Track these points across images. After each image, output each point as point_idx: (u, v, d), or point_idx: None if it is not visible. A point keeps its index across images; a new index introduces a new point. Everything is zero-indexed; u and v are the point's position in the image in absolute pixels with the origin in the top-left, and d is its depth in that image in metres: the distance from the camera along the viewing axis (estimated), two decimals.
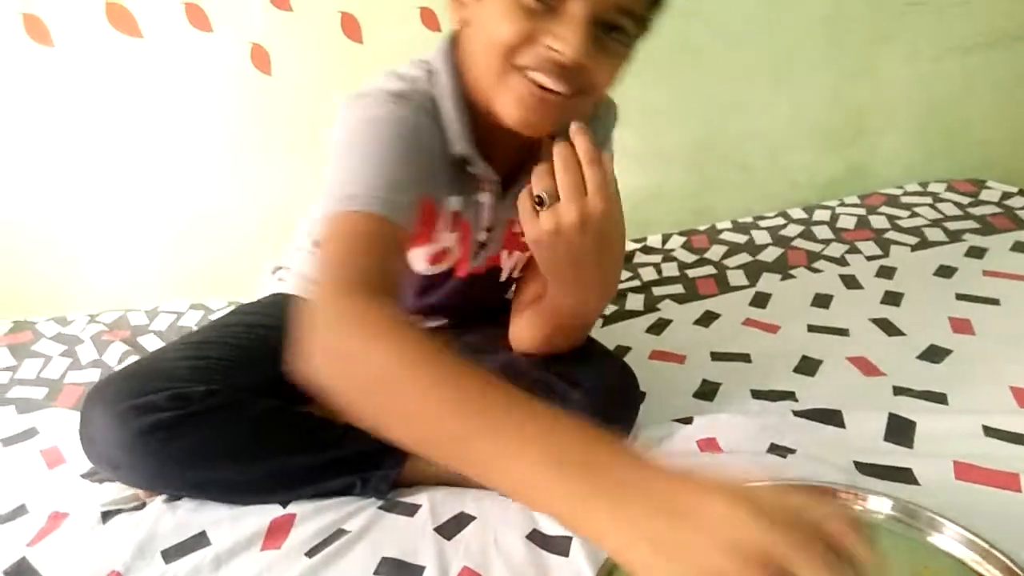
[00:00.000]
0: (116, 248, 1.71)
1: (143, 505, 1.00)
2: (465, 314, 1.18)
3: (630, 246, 1.81)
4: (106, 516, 0.98)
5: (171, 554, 0.91)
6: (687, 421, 1.10)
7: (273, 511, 0.97)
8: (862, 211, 1.85)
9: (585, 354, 1.08)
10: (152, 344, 1.48)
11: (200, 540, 0.93)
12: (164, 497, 0.99)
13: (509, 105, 0.80)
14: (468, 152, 0.89)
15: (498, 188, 0.96)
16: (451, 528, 0.93)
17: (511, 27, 0.75)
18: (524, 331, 1.06)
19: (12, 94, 1.53)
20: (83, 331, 1.55)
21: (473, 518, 0.94)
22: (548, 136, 0.81)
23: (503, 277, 1.11)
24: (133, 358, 1.41)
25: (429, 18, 1.61)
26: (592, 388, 1.01)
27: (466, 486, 1.00)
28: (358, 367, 0.62)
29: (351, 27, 1.58)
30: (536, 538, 0.90)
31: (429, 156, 0.85)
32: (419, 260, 1.00)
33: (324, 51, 1.60)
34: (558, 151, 0.78)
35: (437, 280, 1.06)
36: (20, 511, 1.03)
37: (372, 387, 0.60)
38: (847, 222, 1.81)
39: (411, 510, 0.97)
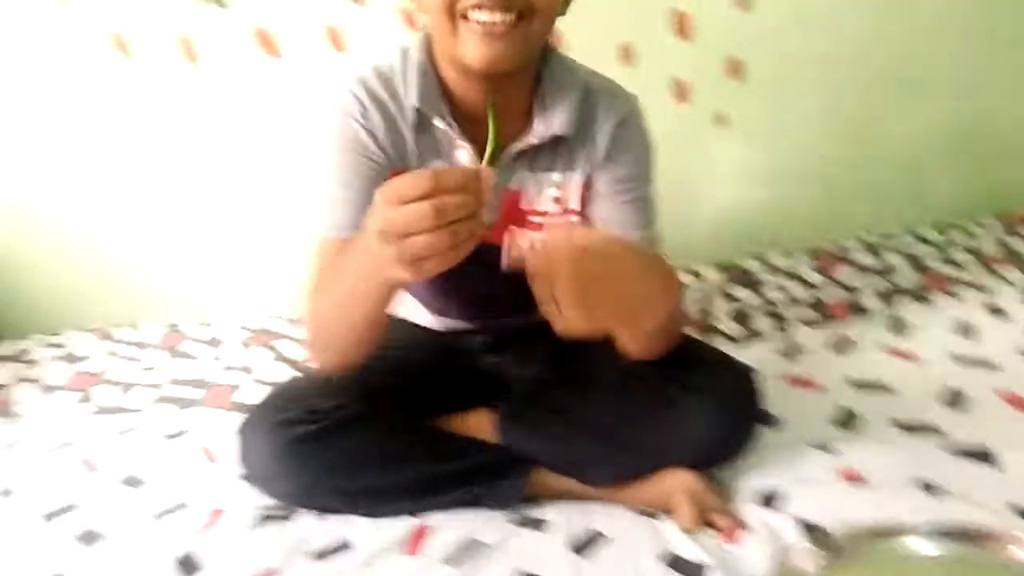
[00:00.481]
0: (253, 253, 1.80)
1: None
2: (497, 305, 1.14)
3: (754, 265, 1.78)
4: (262, 519, 1.03)
5: (320, 556, 0.96)
6: (827, 449, 1.07)
7: (409, 521, 1.00)
8: (1001, 232, 1.76)
9: (700, 359, 1.05)
10: (293, 351, 1.56)
11: (346, 546, 0.97)
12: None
13: (467, 50, 0.87)
14: (425, 106, 0.95)
15: (472, 149, 0.97)
16: (585, 546, 0.94)
17: None
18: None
19: (165, 111, 1.63)
20: (228, 336, 1.64)
21: (605, 537, 0.95)
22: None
23: (504, 256, 1.06)
24: (277, 364, 1.50)
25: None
26: (705, 391, 0.99)
27: (588, 499, 1.02)
28: (316, 323, 0.93)
29: None
30: (672, 561, 0.90)
31: (392, 130, 0.97)
32: None
33: None
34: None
35: None
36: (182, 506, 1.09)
37: (320, 326, 0.92)
38: (986, 244, 1.73)
39: (541, 525, 0.98)
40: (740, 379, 1.03)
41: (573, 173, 1.02)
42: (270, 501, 1.03)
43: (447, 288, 1.12)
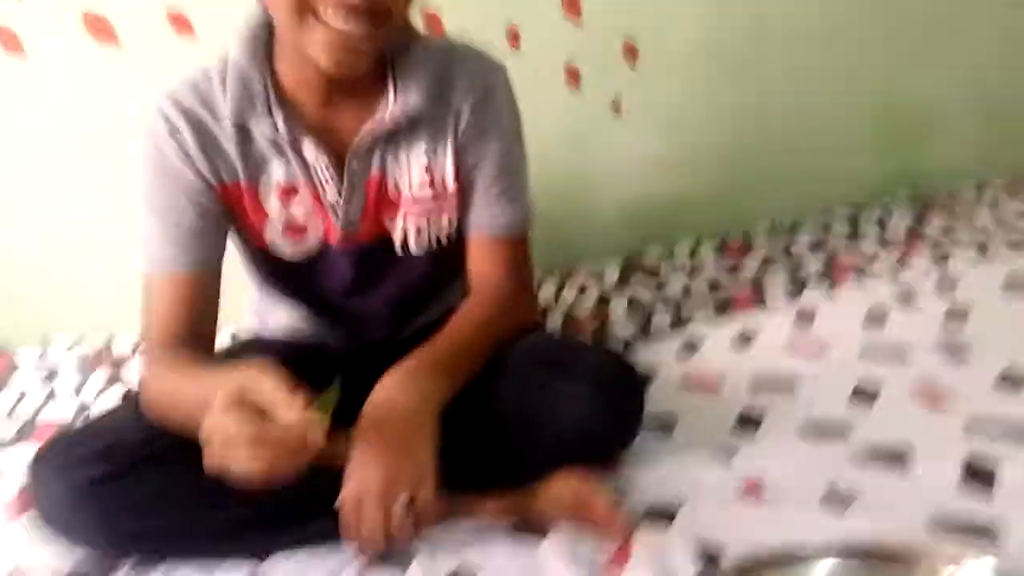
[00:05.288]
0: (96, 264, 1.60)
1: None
2: (403, 300, 1.07)
3: (657, 258, 1.68)
4: None
5: None
6: (727, 457, 0.96)
7: (247, 567, 0.86)
8: (911, 217, 1.70)
9: (570, 347, 1.03)
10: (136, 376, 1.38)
11: None
12: (132, 562, 0.88)
13: (319, 53, 0.81)
14: (239, 116, 0.89)
15: (318, 143, 0.91)
16: None
17: None
18: None
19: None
20: (63, 359, 1.45)
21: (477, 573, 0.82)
22: None
23: (397, 243, 1.00)
24: (115, 386, 1.32)
25: None
26: (580, 372, 0.90)
27: (462, 516, 0.89)
28: (150, 396, 0.88)
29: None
30: None
31: (210, 147, 0.91)
32: (279, 241, 0.97)
33: None
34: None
35: (320, 260, 1.00)
36: None
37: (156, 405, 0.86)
38: (898, 228, 1.66)
39: (401, 561, 0.84)
40: (615, 360, 0.97)
41: (440, 148, 0.95)
42: (82, 558, 0.88)
43: (347, 280, 1.03)
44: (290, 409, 0.66)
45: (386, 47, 0.88)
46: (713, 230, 1.81)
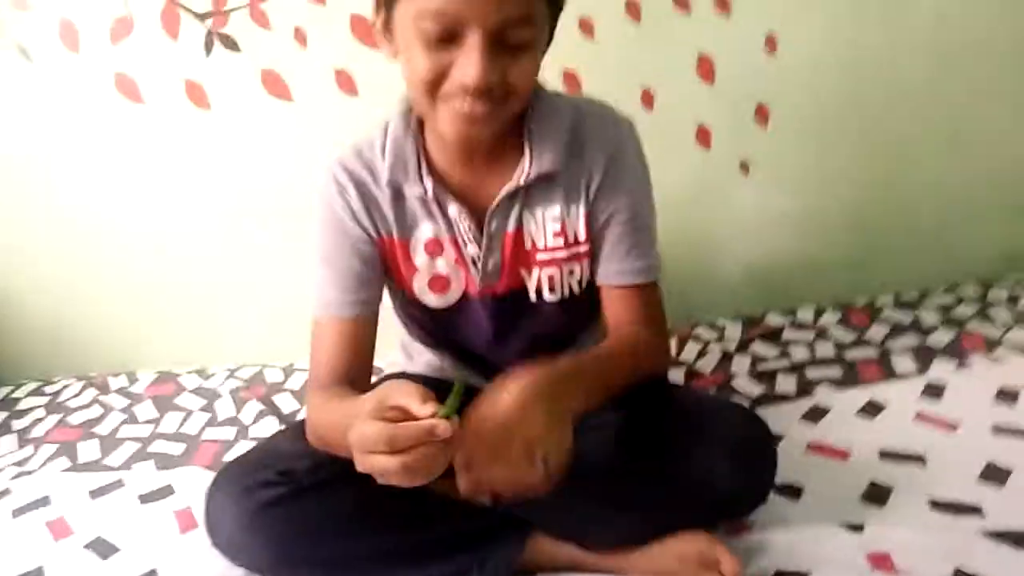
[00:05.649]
0: (256, 301, 1.74)
1: None
2: (539, 348, 1.08)
3: (777, 320, 1.70)
4: None
5: None
6: (856, 528, 0.97)
7: None
8: None
9: (705, 406, 1.03)
10: (286, 403, 1.49)
11: None
12: None
13: (445, 127, 0.87)
14: (393, 176, 0.97)
15: (461, 205, 0.98)
16: None
17: (425, 64, 0.82)
18: None
19: (171, 152, 1.60)
20: (222, 385, 1.58)
21: None
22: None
23: (532, 294, 1.04)
24: (267, 418, 1.43)
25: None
26: (714, 438, 0.92)
27: (588, 570, 0.95)
28: (313, 424, 0.97)
29: None
30: None
31: (371, 206, 1.00)
32: (425, 294, 1.05)
33: None
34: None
35: (461, 310, 1.06)
36: None
37: (318, 432, 0.95)
38: None
39: None
40: (751, 423, 0.98)
41: (573, 205, 1.00)
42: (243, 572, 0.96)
43: (483, 328, 1.09)
44: (422, 407, 0.70)
45: (514, 114, 0.92)
46: (836, 295, 1.79)
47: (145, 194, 1.62)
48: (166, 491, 1.22)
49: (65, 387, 1.64)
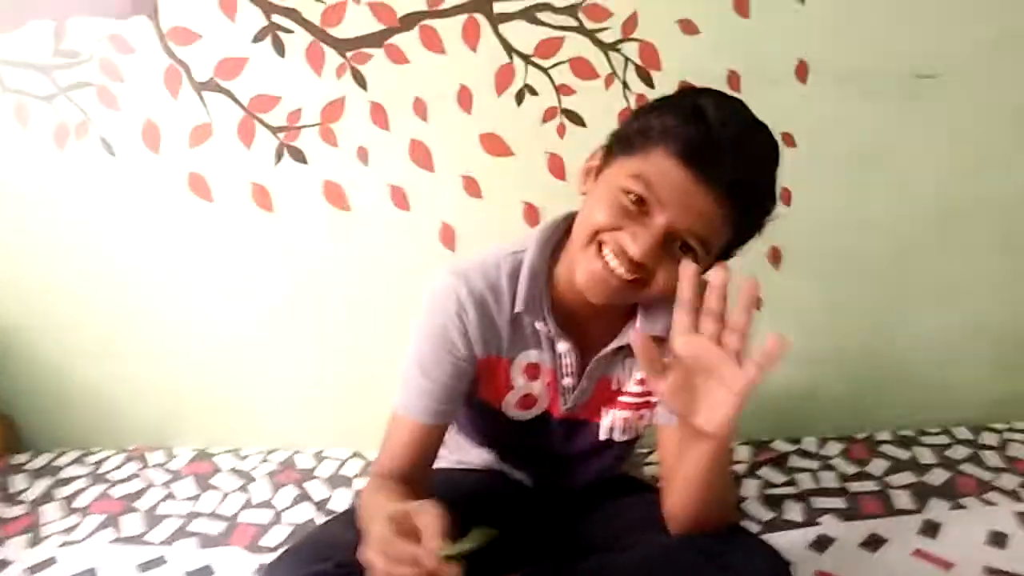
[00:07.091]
0: (291, 390, 1.84)
1: None
2: (599, 463, 1.20)
3: (783, 447, 1.79)
4: None
5: None
6: None
7: None
8: None
9: (731, 536, 1.03)
10: (318, 491, 1.57)
11: None
12: None
13: (582, 271, 0.94)
14: (525, 310, 1.02)
15: (572, 344, 1.05)
16: None
17: (606, 216, 0.91)
18: (675, 497, 1.01)
19: (232, 248, 1.72)
20: (256, 469, 1.65)
21: None
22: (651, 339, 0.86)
23: (602, 435, 1.14)
24: (303, 504, 1.50)
25: None
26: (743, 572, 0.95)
27: None
28: (363, 510, 0.96)
29: (531, 215, 1.71)
30: None
31: (487, 327, 1.03)
32: (511, 406, 1.12)
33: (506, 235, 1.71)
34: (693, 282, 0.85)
35: (538, 422, 1.14)
36: None
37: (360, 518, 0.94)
38: (1018, 450, 1.72)
39: None
40: (778, 567, 0.99)
41: None
42: None
43: (546, 440, 1.17)
44: (432, 538, 0.72)
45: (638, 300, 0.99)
46: (838, 427, 1.89)
47: (200, 282, 1.74)
48: (206, 571, 1.29)
49: (107, 458, 1.72)
